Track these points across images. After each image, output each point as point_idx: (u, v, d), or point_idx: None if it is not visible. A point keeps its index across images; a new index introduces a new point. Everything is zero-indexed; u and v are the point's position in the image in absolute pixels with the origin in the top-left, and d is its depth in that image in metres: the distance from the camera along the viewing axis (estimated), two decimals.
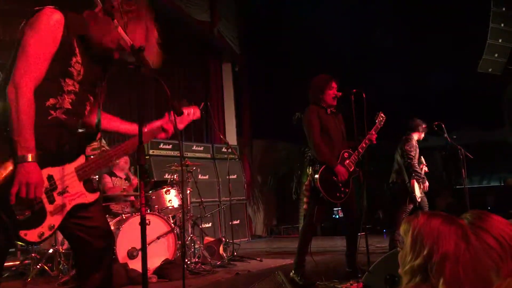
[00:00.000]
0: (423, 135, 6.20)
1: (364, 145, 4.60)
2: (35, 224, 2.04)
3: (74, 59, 2.16)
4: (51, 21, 2.08)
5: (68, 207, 2.16)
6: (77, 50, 2.18)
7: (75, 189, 2.19)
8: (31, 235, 2.03)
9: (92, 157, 2.28)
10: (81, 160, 2.23)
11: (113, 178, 5.95)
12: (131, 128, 2.53)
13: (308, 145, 4.67)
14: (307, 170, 4.65)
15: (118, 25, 2.06)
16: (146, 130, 2.47)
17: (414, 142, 6.05)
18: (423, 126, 6.16)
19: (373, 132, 4.67)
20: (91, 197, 2.25)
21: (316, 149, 4.47)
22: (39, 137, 2.07)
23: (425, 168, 6.23)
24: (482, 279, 1.46)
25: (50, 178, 2.10)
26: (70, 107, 2.19)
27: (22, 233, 2.01)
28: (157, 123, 2.53)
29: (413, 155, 5.95)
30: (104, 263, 2.30)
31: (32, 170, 1.97)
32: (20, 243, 2.11)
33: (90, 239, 2.24)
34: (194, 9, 8.66)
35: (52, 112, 2.15)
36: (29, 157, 1.97)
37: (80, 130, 2.31)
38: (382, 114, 4.86)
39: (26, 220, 2.01)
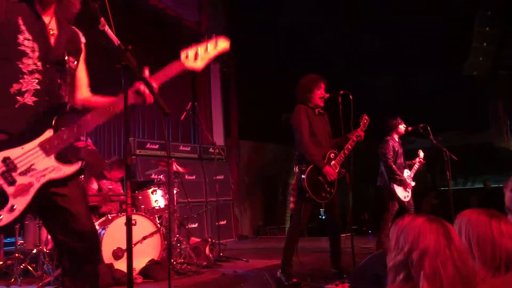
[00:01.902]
0: (402, 128, 6.21)
1: (349, 147, 4.63)
2: None
3: (21, 37, 2.11)
4: None
5: (37, 186, 2.07)
6: (22, 27, 2.12)
7: (43, 164, 2.10)
8: None
9: (63, 128, 2.16)
10: (47, 134, 2.12)
11: (102, 181, 5.86)
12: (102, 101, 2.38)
13: (295, 145, 4.68)
14: (294, 169, 4.66)
15: (105, 23, 2.04)
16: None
17: (391, 143, 6.09)
18: (396, 121, 6.20)
19: (358, 133, 4.70)
20: (68, 170, 2.15)
21: (304, 149, 4.48)
22: (6, 127, 2.05)
23: (415, 166, 6.23)
24: (464, 278, 1.48)
25: (5, 159, 2.02)
26: (38, 87, 2.14)
27: None
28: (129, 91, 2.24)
29: (389, 157, 5.99)
30: (88, 266, 2.25)
31: None
32: None
33: (72, 241, 2.19)
34: (182, 8, 8.63)
35: (19, 98, 2.10)
36: None
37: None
38: (366, 117, 4.89)
39: None
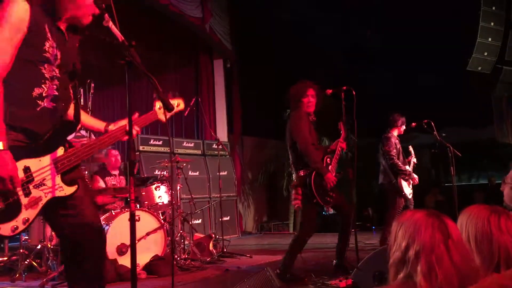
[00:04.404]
0: (403, 128, 6.18)
1: (338, 152, 4.67)
2: (9, 217, 2.00)
3: (47, 44, 2.14)
4: (14, 10, 2.04)
5: (44, 201, 2.11)
6: (49, 35, 2.15)
7: (52, 182, 2.15)
8: (5, 229, 2.00)
9: (71, 149, 2.24)
10: (59, 152, 2.19)
11: (106, 178, 5.88)
12: (95, 125, 2.55)
13: (292, 149, 4.64)
14: (293, 174, 4.64)
15: (109, 20, 2.05)
16: (111, 130, 2.44)
17: (393, 140, 6.05)
18: (402, 119, 6.16)
19: (342, 140, 4.72)
20: (68, 190, 2.20)
21: (309, 156, 4.41)
22: (27, 129, 2.08)
23: (413, 160, 6.23)
24: (463, 273, 1.47)
25: (26, 170, 2.06)
26: (57, 93, 2.19)
27: None
28: (122, 123, 2.42)
29: (394, 154, 5.96)
30: (90, 260, 2.25)
31: (4, 160, 1.94)
32: None
33: (77, 237, 2.21)
34: (185, 4, 8.62)
35: (40, 102, 2.14)
36: (0, 146, 1.94)
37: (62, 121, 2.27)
38: (342, 124, 4.87)
39: (1, 214, 1.98)
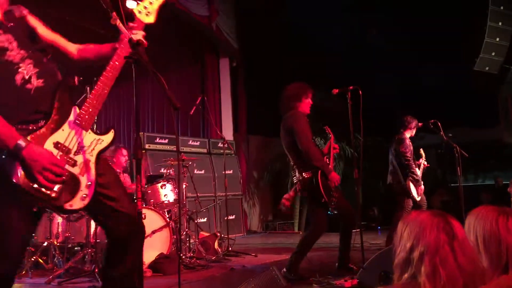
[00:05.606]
0: (415, 131, 6.16)
1: (333, 153, 4.72)
2: (73, 192, 2.04)
3: None
4: None
5: (93, 159, 2.13)
6: None
7: (88, 139, 2.15)
8: (76, 202, 2.03)
9: (84, 104, 2.20)
10: (75, 111, 2.16)
11: None
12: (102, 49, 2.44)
13: (291, 149, 4.62)
14: (297, 175, 4.62)
15: (117, 18, 2.05)
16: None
17: (408, 142, 6.01)
18: (415, 122, 6.12)
19: (333, 142, 4.77)
20: (108, 138, 2.22)
21: (312, 154, 4.41)
22: (32, 118, 2.07)
23: (424, 163, 6.19)
24: (469, 275, 1.47)
25: (57, 145, 2.05)
26: (37, 69, 2.15)
27: (67, 205, 2.01)
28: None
29: (409, 156, 5.92)
30: (129, 252, 2.26)
31: (36, 153, 1.94)
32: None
33: (113, 225, 2.23)
34: (192, 3, 8.63)
35: (29, 86, 2.10)
36: (22, 143, 1.93)
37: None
38: (328, 129, 4.92)
39: (63, 193, 2.00)
